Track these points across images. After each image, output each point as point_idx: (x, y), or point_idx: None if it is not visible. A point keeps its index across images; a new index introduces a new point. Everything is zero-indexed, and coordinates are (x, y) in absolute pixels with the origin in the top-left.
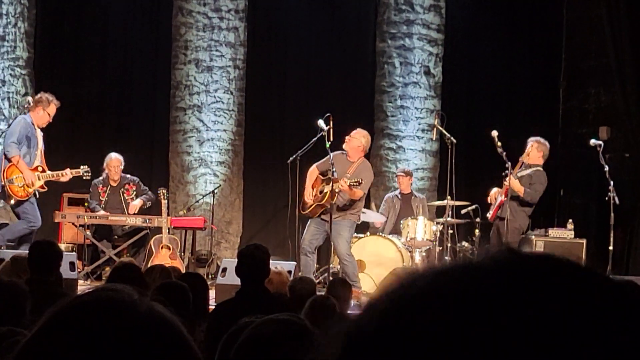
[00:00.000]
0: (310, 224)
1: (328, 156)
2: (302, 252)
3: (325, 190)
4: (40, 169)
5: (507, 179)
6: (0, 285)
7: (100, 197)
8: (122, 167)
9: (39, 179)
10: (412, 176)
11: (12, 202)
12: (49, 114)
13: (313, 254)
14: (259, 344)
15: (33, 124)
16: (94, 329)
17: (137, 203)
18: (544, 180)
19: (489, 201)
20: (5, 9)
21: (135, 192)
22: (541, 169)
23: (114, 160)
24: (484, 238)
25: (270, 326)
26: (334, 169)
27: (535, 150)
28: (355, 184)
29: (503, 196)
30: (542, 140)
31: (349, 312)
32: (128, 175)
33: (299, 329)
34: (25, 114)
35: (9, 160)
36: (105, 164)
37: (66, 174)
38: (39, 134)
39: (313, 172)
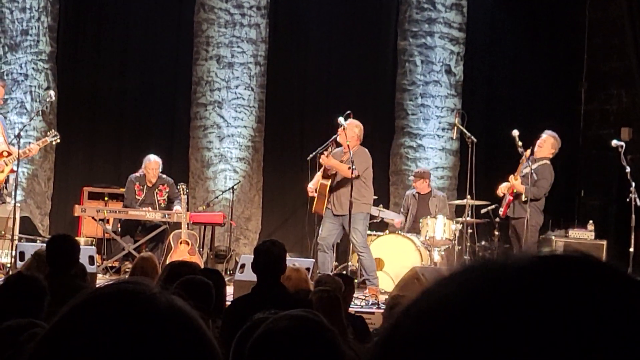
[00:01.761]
0: (325, 220)
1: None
2: (320, 248)
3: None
4: (5, 153)
5: (511, 177)
6: (19, 279)
7: (136, 196)
8: (160, 169)
9: (7, 164)
10: (428, 178)
11: None
12: None
13: (330, 250)
14: (274, 339)
15: None
16: (112, 322)
17: (178, 208)
18: (548, 175)
19: (498, 193)
20: (29, 3)
21: (168, 193)
22: (548, 162)
23: (153, 162)
24: (502, 238)
25: (285, 322)
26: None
27: (550, 145)
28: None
29: (509, 195)
30: (557, 136)
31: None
32: (164, 176)
33: (314, 325)
34: None
35: None
36: (143, 165)
37: (35, 147)
38: None
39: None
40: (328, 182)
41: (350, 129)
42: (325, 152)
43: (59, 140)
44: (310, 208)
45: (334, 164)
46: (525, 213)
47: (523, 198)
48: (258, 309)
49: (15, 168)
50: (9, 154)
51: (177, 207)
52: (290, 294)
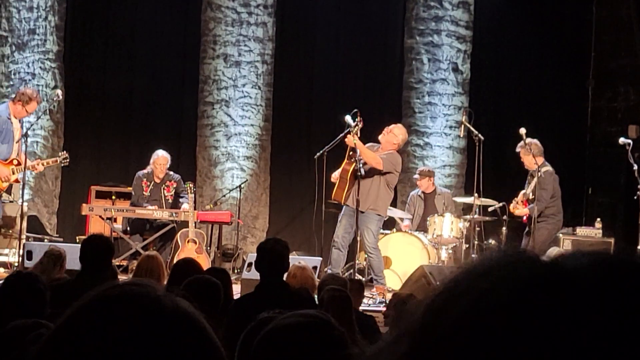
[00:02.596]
0: (341, 218)
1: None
2: (335, 246)
3: (347, 170)
4: (15, 162)
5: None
6: (18, 278)
7: (144, 192)
8: (168, 165)
9: (14, 173)
10: (432, 176)
11: None
12: (27, 111)
13: (345, 249)
14: (281, 338)
15: (9, 117)
16: (117, 324)
17: (186, 207)
18: (546, 185)
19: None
20: (36, 2)
21: (175, 189)
22: (546, 168)
23: (161, 158)
24: (510, 235)
25: (293, 321)
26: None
27: (524, 156)
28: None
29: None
30: (521, 144)
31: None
32: (171, 173)
33: (322, 324)
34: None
35: None
36: (152, 160)
37: (42, 165)
38: (16, 126)
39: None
40: (350, 167)
41: (395, 134)
42: (351, 135)
43: (67, 163)
44: (319, 207)
45: (360, 146)
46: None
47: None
48: (262, 307)
49: (19, 178)
50: (19, 163)
51: (184, 205)
52: (294, 292)
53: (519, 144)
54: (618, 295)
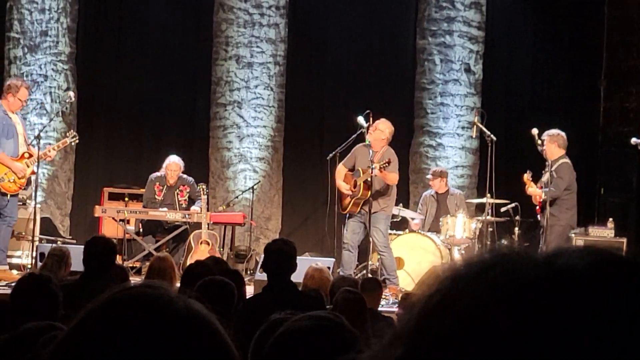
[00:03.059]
0: (349, 219)
1: (355, 148)
2: (345, 247)
3: (358, 183)
4: (26, 155)
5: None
6: (31, 280)
7: (156, 196)
8: (180, 172)
9: (28, 166)
10: (446, 176)
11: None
12: (20, 100)
13: (356, 250)
14: (294, 340)
15: (6, 113)
16: (129, 327)
17: (197, 209)
18: (563, 174)
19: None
20: (48, 4)
21: (189, 193)
22: (564, 160)
23: (173, 164)
24: (523, 236)
25: (306, 322)
26: (371, 157)
27: (549, 143)
28: (384, 165)
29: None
30: (552, 132)
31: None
32: (184, 176)
33: (335, 326)
34: None
35: None
36: (164, 166)
37: (54, 149)
38: (17, 119)
39: (341, 170)
40: (362, 180)
41: (382, 130)
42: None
43: (77, 141)
44: (332, 207)
45: (386, 175)
46: (553, 217)
47: (542, 198)
48: (270, 308)
49: (35, 169)
50: (30, 155)
51: (195, 208)
52: (303, 292)
53: (546, 132)
54: (612, 293)
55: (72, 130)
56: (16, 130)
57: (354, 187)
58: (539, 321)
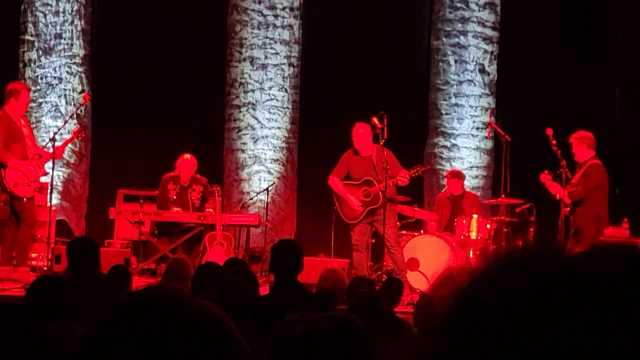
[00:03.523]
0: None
1: (344, 157)
2: (355, 248)
3: (373, 194)
4: (37, 156)
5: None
6: (45, 281)
7: (169, 195)
8: (194, 170)
9: (39, 167)
10: (462, 179)
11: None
12: (22, 103)
13: (366, 250)
14: (310, 340)
15: (11, 118)
16: (145, 327)
17: (210, 211)
18: (592, 175)
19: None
20: (62, 6)
21: (202, 193)
22: (594, 161)
23: (186, 162)
24: (538, 236)
25: (321, 323)
26: (387, 167)
27: (578, 145)
28: (414, 173)
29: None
30: (579, 134)
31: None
32: (197, 176)
33: (350, 327)
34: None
35: (4, 165)
36: (177, 164)
37: (68, 141)
38: (22, 123)
39: (338, 182)
40: (380, 189)
41: (360, 134)
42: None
43: (84, 134)
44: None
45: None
46: (581, 217)
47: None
48: (276, 308)
49: (48, 170)
50: (40, 156)
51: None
52: (310, 292)
53: (573, 135)
54: None
55: (77, 125)
56: (23, 134)
57: (366, 197)
58: (575, 322)
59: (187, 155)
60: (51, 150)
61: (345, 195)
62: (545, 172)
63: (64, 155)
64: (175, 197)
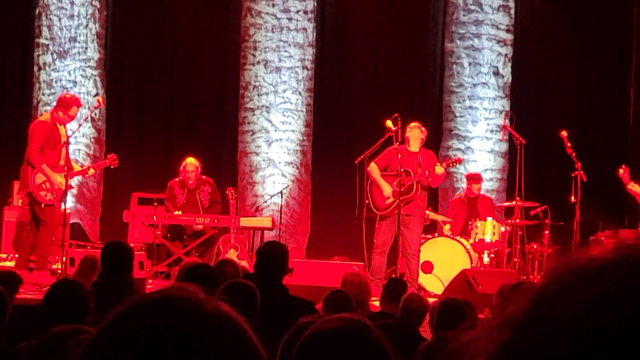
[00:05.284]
0: (382, 224)
1: (391, 149)
2: (377, 252)
3: (409, 184)
4: (65, 168)
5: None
6: (64, 285)
7: (176, 200)
8: (198, 171)
9: (66, 180)
10: (479, 182)
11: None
12: (69, 116)
13: (386, 255)
14: (322, 342)
15: (55, 124)
16: (159, 329)
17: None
18: None
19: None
20: (76, 10)
21: (210, 194)
22: None
23: (189, 164)
24: (552, 239)
25: (332, 326)
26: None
27: None
28: (452, 163)
29: None
30: None
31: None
32: (204, 177)
33: (362, 328)
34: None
35: (34, 167)
36: (182, 167)
37: (91, 169)
38: (62, 133)
39: (376, 169)
40: (416, 180)
41: (418, 129)
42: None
43: (116, 164)
44: (361, 211)
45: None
46: None
47: None
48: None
49: (72, 184)
50: (70, 168)
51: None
52: (292, 296)
53: None
54: None
55: (113, 154)
56: (61, 144)
57: (402, 187)
58: None
59: (189, 159)
60: (77, 164)
61: (380, 181)
62: (623, 168)
63: (88, 170)
64: (184, 201)
